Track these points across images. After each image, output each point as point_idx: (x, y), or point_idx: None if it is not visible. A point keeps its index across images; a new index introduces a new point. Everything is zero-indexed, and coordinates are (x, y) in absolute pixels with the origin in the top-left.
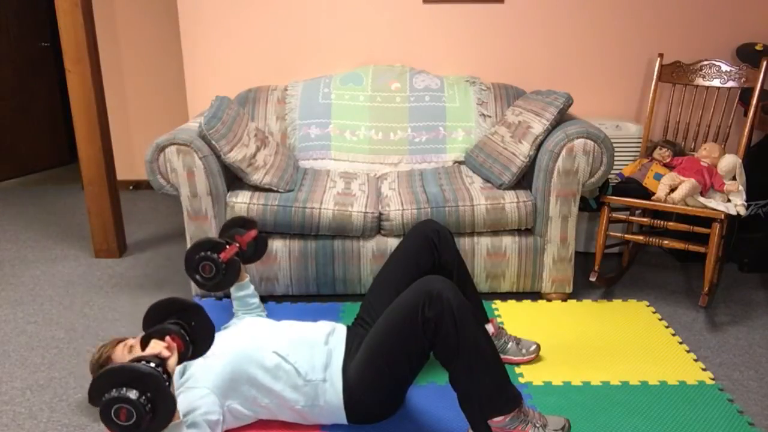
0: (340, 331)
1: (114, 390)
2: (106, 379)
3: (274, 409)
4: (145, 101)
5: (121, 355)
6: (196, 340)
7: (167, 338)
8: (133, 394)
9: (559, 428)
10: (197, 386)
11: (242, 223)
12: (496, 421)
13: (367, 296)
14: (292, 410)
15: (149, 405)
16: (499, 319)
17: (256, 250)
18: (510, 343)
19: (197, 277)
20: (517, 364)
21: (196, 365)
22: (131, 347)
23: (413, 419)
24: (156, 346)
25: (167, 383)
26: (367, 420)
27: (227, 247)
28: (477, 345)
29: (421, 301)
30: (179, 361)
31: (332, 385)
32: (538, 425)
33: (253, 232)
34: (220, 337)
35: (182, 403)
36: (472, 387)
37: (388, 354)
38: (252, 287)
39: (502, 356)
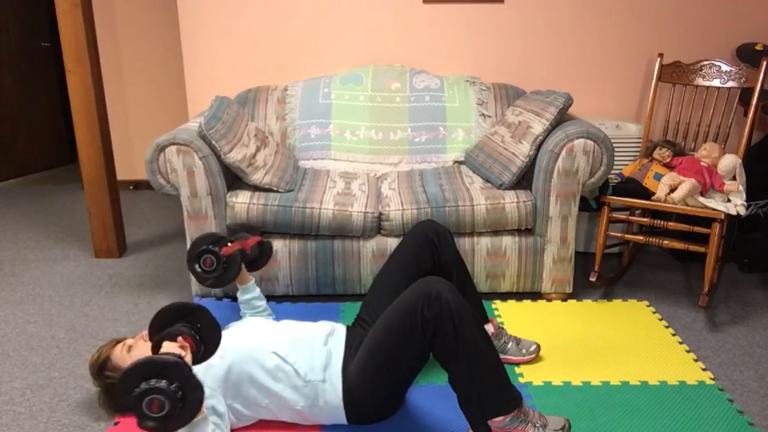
0: (340, 331)
1: (144, 383)
2: (135, 374)
3: (274, 409)
4: (145, 101)
5: (120, 356)
6: (205, 340)
7: (179, 338)
8: (163, 384)
9: (559, 428)
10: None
11: (247, 228)
12: (496, 422)
13: (367, 296)
14: (292, 410)
15: (180, 393)
16: (499, 319)
17: (261, 255)
18: (510, 343)
19: (198, 269)
20: (517, 364)
21: (197, 368)
22: (130, 347)
23: (413, 419)
24: (170, 347)
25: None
26: (366, 420)
27: (230, 243)
28: (476, 346)
29: (420, 302)
30: (193, 362)
31: (332, 386)
32: (538, 425)
33: (257, 238)
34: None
35: None
36: (472, 387)
37: (387, 355)
38: (258, 290)
39: (502, 356)
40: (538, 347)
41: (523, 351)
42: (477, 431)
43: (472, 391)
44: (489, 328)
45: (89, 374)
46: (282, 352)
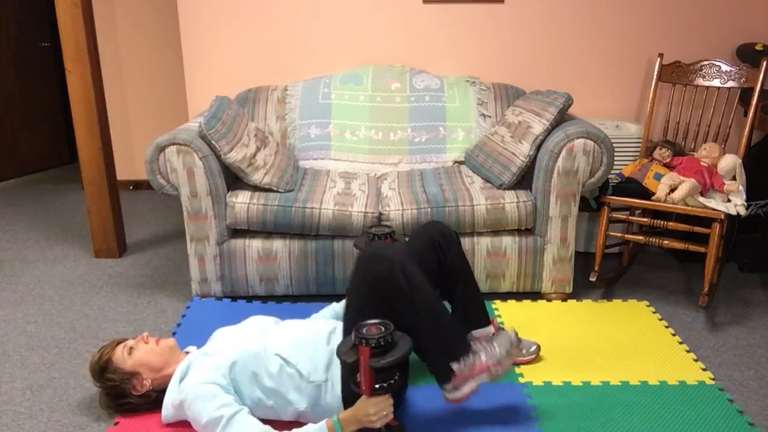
0: (342, 329)
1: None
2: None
3: (279, 410)
4: (145, 101)
5: (121, 357)
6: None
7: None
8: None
9: (509, 345)
10: (207, 382)
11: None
12: (456, 368)
13: None
14: (295, 411)
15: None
16: (499, 319)
17: None
18: None
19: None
20: (517, 364)
21: (201, 364)
22: (131, 348)
23: (413, 419)
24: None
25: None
26: None
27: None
28: (427, 298)
29: (367, 267)
30: None
31: (333, 386)
32: (488, 349)
33: None
34: (225, 336)
35: (194, 402)
36: (437, 340)
37: None
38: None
39: None
40: (539, 347)
41: (523, 351)
42: (444, 382)
43: (437, 343)
44: (489, 328)
45: (90, 375)
46: (284, 353)
